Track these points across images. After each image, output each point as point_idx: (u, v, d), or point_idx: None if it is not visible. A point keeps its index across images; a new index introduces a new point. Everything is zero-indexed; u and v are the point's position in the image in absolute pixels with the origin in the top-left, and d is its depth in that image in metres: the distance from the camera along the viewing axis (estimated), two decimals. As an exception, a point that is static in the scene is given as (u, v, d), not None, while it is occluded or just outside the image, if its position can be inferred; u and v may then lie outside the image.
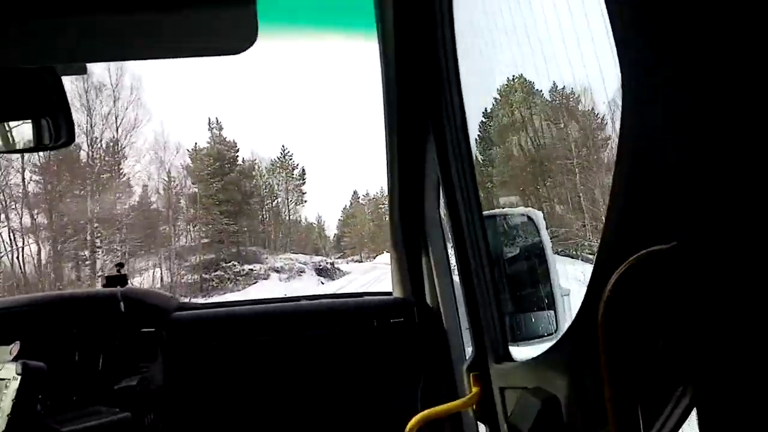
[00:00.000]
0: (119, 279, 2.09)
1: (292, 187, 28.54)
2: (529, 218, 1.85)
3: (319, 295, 2.29)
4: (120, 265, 2.23)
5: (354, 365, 1.95)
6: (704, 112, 0.58)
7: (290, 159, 28.43)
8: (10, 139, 1.70)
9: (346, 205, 34.48)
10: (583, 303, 0.86)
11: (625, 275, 0.65)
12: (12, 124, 1.67)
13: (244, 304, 2.13)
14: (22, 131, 1.69)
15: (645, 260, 0.63)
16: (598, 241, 0.80)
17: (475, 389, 1.51)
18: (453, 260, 1.74)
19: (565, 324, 1.73)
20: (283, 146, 28.29)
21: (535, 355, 1.24)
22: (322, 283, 23.16)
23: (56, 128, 1.68)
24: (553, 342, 1.16)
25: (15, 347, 1.50)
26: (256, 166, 27.39)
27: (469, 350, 1.70)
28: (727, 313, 0.57)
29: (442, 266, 1.85)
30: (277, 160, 28.12)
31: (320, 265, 25.69)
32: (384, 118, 1.75)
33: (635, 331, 0.72)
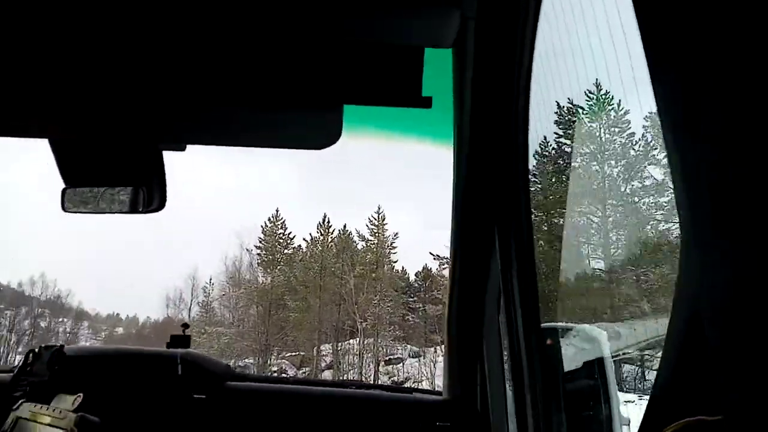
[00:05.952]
0: (183, 340, 2.16)
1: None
2: (592, 336, 1.79)
3: (372, 384, 2.27)
4: (185, 326, 2.31)
5: None
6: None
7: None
8: (108, 202, 1.89)
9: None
10: None
11: None
12: (113, 189, 1.86)
13: (296, 382, 2.15)
14: (119, 196, 1.88)
15: (692, 428, 0.61)
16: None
17: None
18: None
19: (623, 456, 1.62)
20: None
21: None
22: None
23: (150, 196, 1.85)
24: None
25: (78, 399, 1.58)
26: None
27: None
28: None
29: (497, 374, 1.80)
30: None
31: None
32: (452, 221, 1.78)
33: None
